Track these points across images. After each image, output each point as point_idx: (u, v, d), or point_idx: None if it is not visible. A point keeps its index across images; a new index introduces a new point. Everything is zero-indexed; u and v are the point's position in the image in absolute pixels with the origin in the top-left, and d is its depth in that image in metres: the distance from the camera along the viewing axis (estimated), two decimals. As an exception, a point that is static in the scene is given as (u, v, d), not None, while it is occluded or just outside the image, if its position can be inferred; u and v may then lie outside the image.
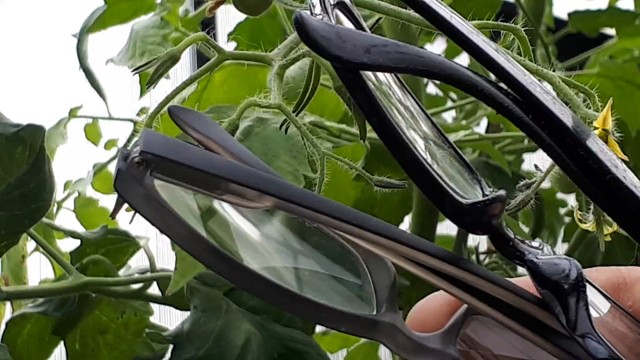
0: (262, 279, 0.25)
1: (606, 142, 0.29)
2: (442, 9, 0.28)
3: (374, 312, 0.27)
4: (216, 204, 0.26)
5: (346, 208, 0.25)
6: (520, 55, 0.33)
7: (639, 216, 0.26)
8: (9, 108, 0.63)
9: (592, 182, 0.26)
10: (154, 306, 0.81)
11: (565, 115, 0.26)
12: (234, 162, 0.25)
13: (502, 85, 0.27)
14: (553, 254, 0.27)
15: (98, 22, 0.89)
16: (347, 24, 0.30)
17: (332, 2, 0.28)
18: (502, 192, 0.27)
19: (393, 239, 0.25)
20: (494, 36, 0.38)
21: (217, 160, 0.24)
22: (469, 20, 0.34)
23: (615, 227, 0.33)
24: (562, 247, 1.16)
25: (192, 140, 0.28)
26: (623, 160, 0.27)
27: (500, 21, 0.36)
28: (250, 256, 0.27)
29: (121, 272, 0.80)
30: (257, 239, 0.28)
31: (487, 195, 0.27)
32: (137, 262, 0.84)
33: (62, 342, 0.80)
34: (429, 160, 0.27)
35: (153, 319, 0.81)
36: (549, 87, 0.30)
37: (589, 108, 0.31)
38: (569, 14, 1.13)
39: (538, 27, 1.02)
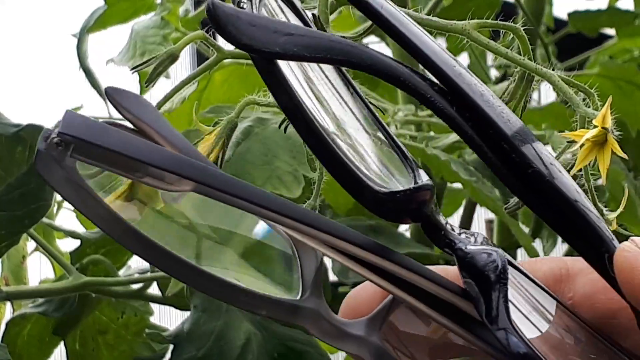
0: (180, 260, 0.25)
1: (606, 140, 0.29)
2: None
3: (298, 297, 0.26)
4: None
5: (270, 195, 0.25)
6: (520, 55, 0.33)
7: (562, 211, 0.27)
8: (9, 108, 0.63)
9: (514, 176, 0.26)
10: (154, 306, 0.81)
11: (491, 108, 0.26)
12: (154, 146, 0.25)
13: (429, 76, 0.27)
14: (486, 244, 0.27)
15: (98, 22, 0.89)
16: (290, 15, 0.30)
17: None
18: (428, 181, 0.27)
19: (318, 229, 0.25)
20: (494, 35, 0.38)
21: (137, 143, 0.24)
22: (468, 20, 0.34)
23: (614, 226, 0.34)
24: (562, 247, 1.16)
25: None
26: (623, 160, 0.27)
27: (500, 21, 0.36)
28: (168, 239, 0.26)
29: (121, 272, 0.80)
30: (176, 223, 0.27)
31: (416, 184, 0.27)
32: (137, 262, 0.84)
33: (62, 342, 0.80)
34: (347, 152, 0.27)
35: (153, 319, 0.81)
36: (485, 89, 0.28)
37: (589, 107, 0.31)
38: (569, 14, 1.13)
39: (538, 27, 1.02)
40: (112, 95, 0.27)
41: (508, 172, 0.26)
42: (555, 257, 0.31)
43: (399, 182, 0.28)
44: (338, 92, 0.30)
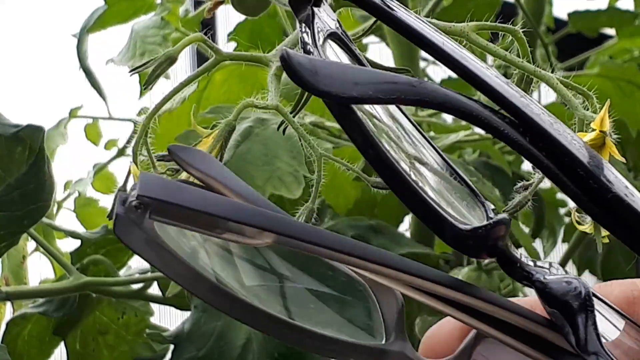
0: (268, 315, 0.25)
1: (604, 143, 0.29)
2: (434, 34, 0.29)
3: (383, 342, 0.27)
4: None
5: (348, 240, 0.25)
6: (519, 57, 0.33)
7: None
8: (9, 108, 0.63)
9: (592, 202, 0.27)
10: (154, 306, 0.81)
11: (563, 136, 0.27)
12: (232, 201, 0.25)
13: (497, 108, 0.27)
14: (562, 272, 0.27)
15: (98, 22, 0.89)
16: (341, 54, 0.30)
17: (323, 35, 0.29)
18: (504, 216, 0.27)
19: (397, 269, 0.25)
20: (493, 37, 0.38)
21: (215, 199, 0.24)
22: (467, 21, 0.34)
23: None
24: (562, 247, 1.16)
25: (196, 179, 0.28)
26: (622, 161, 0.27)
27: (500, 22, 0.36)
28: (253, 291, 0.27)
29: (121, 272, 0.80)
30: (260, 273, 0.28)
31: (490, 219, 0.27)
32: (137, 262, 0.84)
33: (62, 343, 0.80)
34: (426, 189, 0.27)
35: (153, 319, 0.81)
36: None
37: (587, 109, 0.31)
38: (569, 14, 1.13)
39: (538, 27, 1.02)
40: (176, 153, 0.28)
41: (587, 198, 0.27)
42: (626, 280, 0.31)
43: (473, 218, 0.28)
44: (404, 130, 0.30)
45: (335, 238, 0.25)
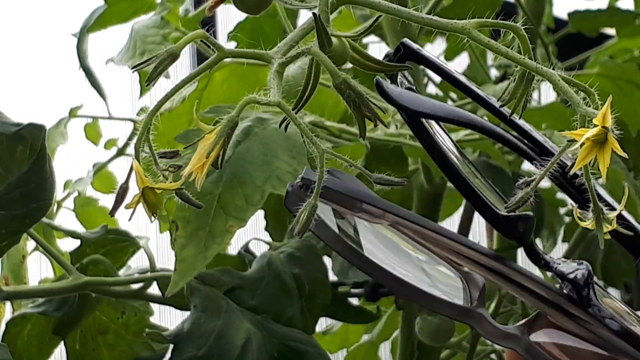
0: (390, 273, 0.36)
1: (606, 139, 0.29)
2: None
3: (469, 305, 0.37)
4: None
5: (438, 225, 0.36)
6: (520, 54, 0.33)
7: None
8: (9, 108, 0.63)
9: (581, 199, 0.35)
10: (154, 306, 0.81)
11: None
12: (368, 191, 0.35)
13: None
14: (570, 262, 0.36)
15: (98, 22, 0.89)
16: None
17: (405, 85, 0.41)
18: (528, 213, 0.35)
19: (466, 245, 0.36)
20: (494, 35, 0.38)
21: (355, 187, 0.34)
22: (468, 19, 0.34)
23: (614, 225, 0.34)
24: (562, 247, 1.16)
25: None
26: (623, 159, 0.27)
27: (500, 20, 0.36)
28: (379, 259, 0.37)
29: (121, 272, 0.80)
30: (383, 248, 0.38)
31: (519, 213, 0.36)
32: (137, 262, 0.84)
33: (62, 342, 0.80)
34: (475, 184, 0.37)
35: (153, 319, 0.81)
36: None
37: (589, 106, 0.31)
38: (569, 14, 1.13)
39: (538, 27, 1.02)
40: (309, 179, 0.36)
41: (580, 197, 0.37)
42: None
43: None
44: (455, 148, 0.40)
45: (429, 222, 0.35)
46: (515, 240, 0.36)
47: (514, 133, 0.39)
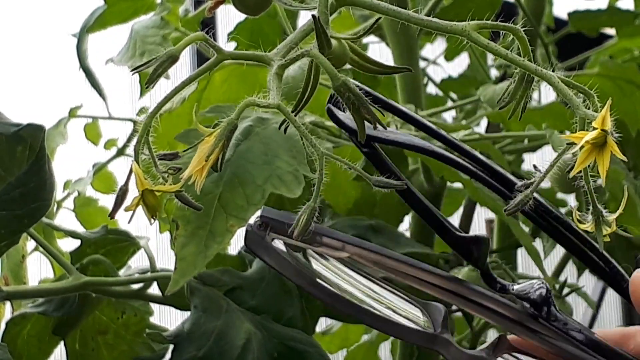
0: (357, 306, 0.37)
1: (605, 142, 0.29)
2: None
3: (434, 331, 0.38)
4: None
5: (397, 254, 0.36)
6: (520, 56, 0.33)
7: None
8: (9, 108, 0.63)
9: (542, 220, 0.39)
10: (154, 306, 0.81)
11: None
12: (321, 226, 0.35)
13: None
14: (523, 283, 0.38)
15: (98, 22, 0.89)
16: None
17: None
18: (484, 234, 0.37)
19: (425, 271, 0.37)
20: (494, 36, 0.38)
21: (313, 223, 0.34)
22: (468, 20, 0.34)
23: (614, 227, 0.34)
24: (562, 247, 1.16)
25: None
26: (623, 161, 0.27)
27: (500, 21, 0.36)
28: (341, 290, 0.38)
29: (121, 272, 0.80)
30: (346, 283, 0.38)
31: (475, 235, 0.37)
32: (137, 262, 0.84)
33: (62, 342, 0.80)
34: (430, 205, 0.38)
35: (153, 319, 0.81)
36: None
37: (589, 108, 0.31)
38: (569, 14, 1.13)
39: (538, 27, 1.02)
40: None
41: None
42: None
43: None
44: None
45: (390, 252, 0.36)
46: (471, 264, 0.37)
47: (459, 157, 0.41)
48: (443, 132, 0.41)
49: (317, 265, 0.38)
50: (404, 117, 0.42)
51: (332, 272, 0.38)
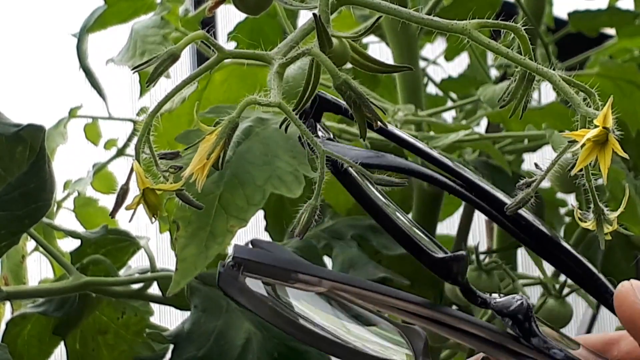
0: (329, 340, 0.36)
1: (607, 140, 0.29)
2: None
3: (416, 358, 0.38)
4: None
5: (374, 284, 0.35)
6: (521, 55, 0.33)
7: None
8: (9, 108, 0.63)
9: (524, 234, 0.38)
10: (154, 306, 0.81)
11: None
12: (299, 258, 0.35)
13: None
14: (504, 298, 0.37)
15: (98, 22, 0.89)
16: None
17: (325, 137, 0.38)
18: (463, 252, 0.37)
19: (402, 299, 0.36)
20: (494, 35, 0.38)
21: (288, 259, 0.34)
22: (469, 20, 0.34)
23: (615, 226, 0.34)
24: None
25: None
26: (623, 159, 0.27)
27: (500, 21, 0.36)
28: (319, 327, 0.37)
29: (121, 272, 0.80)
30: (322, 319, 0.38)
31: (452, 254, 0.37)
32: (137, 262, 0.84)
33: (62, 342, 0.80)
34: (408, 228, 0.37)
35: (153, 319, 0.81)
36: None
37: (590, 107, 0.31)
38: (569, 14, 1.13)
39: (538, 27, 1.02)
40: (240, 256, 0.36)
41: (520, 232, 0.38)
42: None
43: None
44: (382, 197, 0.39)
45: (379, 287, 0.35)
46: (450, 282, 0.37)
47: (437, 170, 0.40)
48: (420, 146, 0.42)
49: (297, 301, 0.37)
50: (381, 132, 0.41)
51: (312, 305, 0.37)
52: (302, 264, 0.34)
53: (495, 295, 0.37)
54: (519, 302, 0.36)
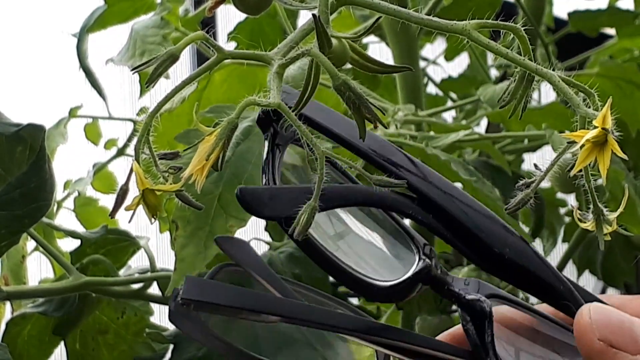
0: None
1: (606, 141, 0.29)
2: None
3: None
4: None
5: (343, 317, 0.35)
6: (520, 55, 0.33)
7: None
8: (9, 108, 0.63)
9: (479, 257, 0.35)
10: (154, 306, 0.81)
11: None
12: (247, 293, 0.33)
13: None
14: (477, 292, 0.35)
15: (98, 22, 0.89)
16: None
17: (282, 146, 0.37)
18: (426, 264, 0.35)
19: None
20: (494, 35, 0.38)
21: (235, 295, 0.33)
22: (468, 20, 0.34)
23: (614, 226, 0.34)
24: (562, 247, 1.16)
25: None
26: (623, 159, 0.27)
27: (500, 21, 0.36)
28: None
29: (121, 272, 0.80)
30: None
31: (418, 263, 0.35)
32: (137, 262, 0.84)
33: (62, 342, 0.80)
34: (348, 260, 0.34)
35: (153, 319, 0.81)
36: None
37: (589, 107, 0.31)
38: (569, 14, 1.13)
39: (538, 27, 1.02)
40: (221, 243, 0.38)
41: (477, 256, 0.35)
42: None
43: (403, 264, 0.36)
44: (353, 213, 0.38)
45: (329, 315, 0.34)
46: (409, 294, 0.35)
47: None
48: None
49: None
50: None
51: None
52: (249, 298, 0.33)
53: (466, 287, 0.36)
54: (481, 306, 0.34)
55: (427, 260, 0.35)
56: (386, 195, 0.34)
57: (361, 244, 0.37)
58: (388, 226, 0.39)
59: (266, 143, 0.36)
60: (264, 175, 0.35)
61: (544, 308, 0.38)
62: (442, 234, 0.35)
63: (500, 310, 0.36)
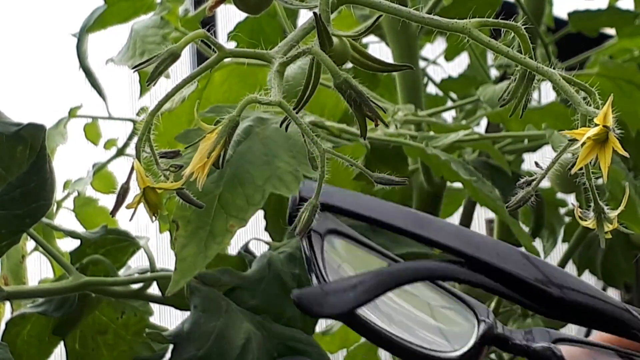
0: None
1: (607, 139, 0.29)
2: None
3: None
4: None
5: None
6: (521, 54, 0.33)
7: None
8: (9, 108, 0.63)
9: (542, 305, 0.34)
10: (154, 306, 0.81)
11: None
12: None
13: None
14: (543, 340, 0.35)
15: (98, 22, 0.89)
16: (343, 244, 0.39)
17: (321, 234, 0.36)
18: (488, 323, 0.34)
19: None
20: (494, 34, 0.38)
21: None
22: (469, 19, 0.34)
23: (615, 224, 0.34)
24: (562, 247, 1.16)
25: None
26: (623, 159, 0.27)
27: (501, 20, 0.36)
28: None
29: (121, 272, 0.80)
30: None
31: (479, 325, 0.35)
32: (137, 262, 0.84)
33: (62, 342, 0.80)
34: (405, 335, 0.34)
35: (153, 319, 0.81)
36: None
37: (590, 106, 0.31)
38: (569, 14, 1.13)
39: (538, 27, 1.02)
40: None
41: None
42: None
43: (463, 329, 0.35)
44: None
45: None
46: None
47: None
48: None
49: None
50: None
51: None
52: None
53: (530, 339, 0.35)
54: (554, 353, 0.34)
55: (487, 320, 0.35)
56: (434, 266, 0.35)
57: (414, 317, 0.37)
58: (432, 295, 0.39)
59: (304, 242, 0.36)
60: (312, 275, 0.35)
61: (606, 338, 0.38)
62: (497, 290, 0.35)
63: (570, 352, 0.36)
